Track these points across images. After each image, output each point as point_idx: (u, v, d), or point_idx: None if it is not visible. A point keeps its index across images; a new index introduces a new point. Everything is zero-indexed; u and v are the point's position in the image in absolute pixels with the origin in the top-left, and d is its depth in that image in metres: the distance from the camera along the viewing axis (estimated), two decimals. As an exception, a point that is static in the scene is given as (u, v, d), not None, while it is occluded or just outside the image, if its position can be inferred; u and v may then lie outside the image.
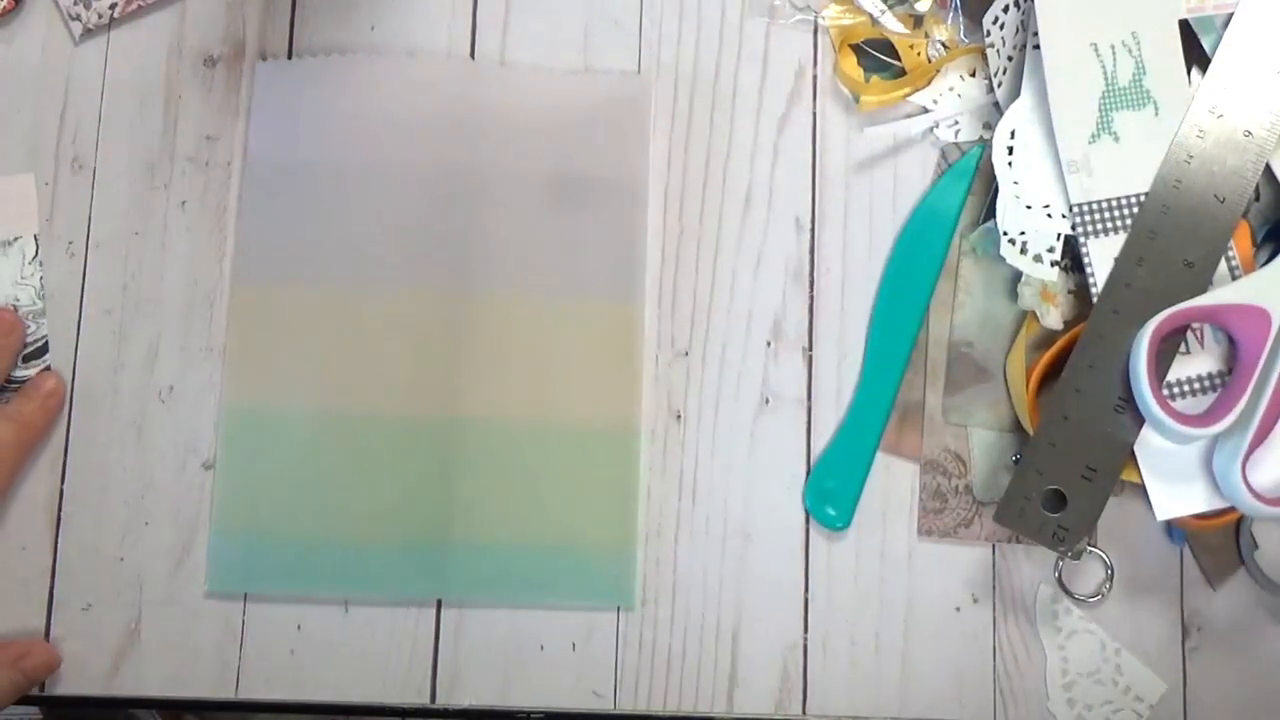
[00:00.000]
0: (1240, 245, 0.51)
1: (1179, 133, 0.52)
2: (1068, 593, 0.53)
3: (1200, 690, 0.53)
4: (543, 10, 0.58)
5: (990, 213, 0.54)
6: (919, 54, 0.56)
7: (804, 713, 0.53)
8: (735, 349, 0.55)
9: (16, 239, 0.56)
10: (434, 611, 0.53)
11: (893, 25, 0.56)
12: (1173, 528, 0.53)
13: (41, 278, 0.56)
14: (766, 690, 0.53)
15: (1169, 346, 0.50)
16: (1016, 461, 0.53)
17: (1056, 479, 0.50)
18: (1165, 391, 0.50)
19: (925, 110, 0.56)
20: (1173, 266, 0.50)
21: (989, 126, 0.56)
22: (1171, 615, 0.53)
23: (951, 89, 0.56)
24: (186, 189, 0.56)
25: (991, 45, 0.55)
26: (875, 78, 0.57)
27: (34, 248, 0.56)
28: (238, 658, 0.53)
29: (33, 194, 0.56)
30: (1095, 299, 0.51)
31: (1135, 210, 0.51)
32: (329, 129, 0.56)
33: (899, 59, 0.56)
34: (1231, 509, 0.50)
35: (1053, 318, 0.53)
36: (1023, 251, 0.52)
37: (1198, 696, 0.53)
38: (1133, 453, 0.50)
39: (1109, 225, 0.51)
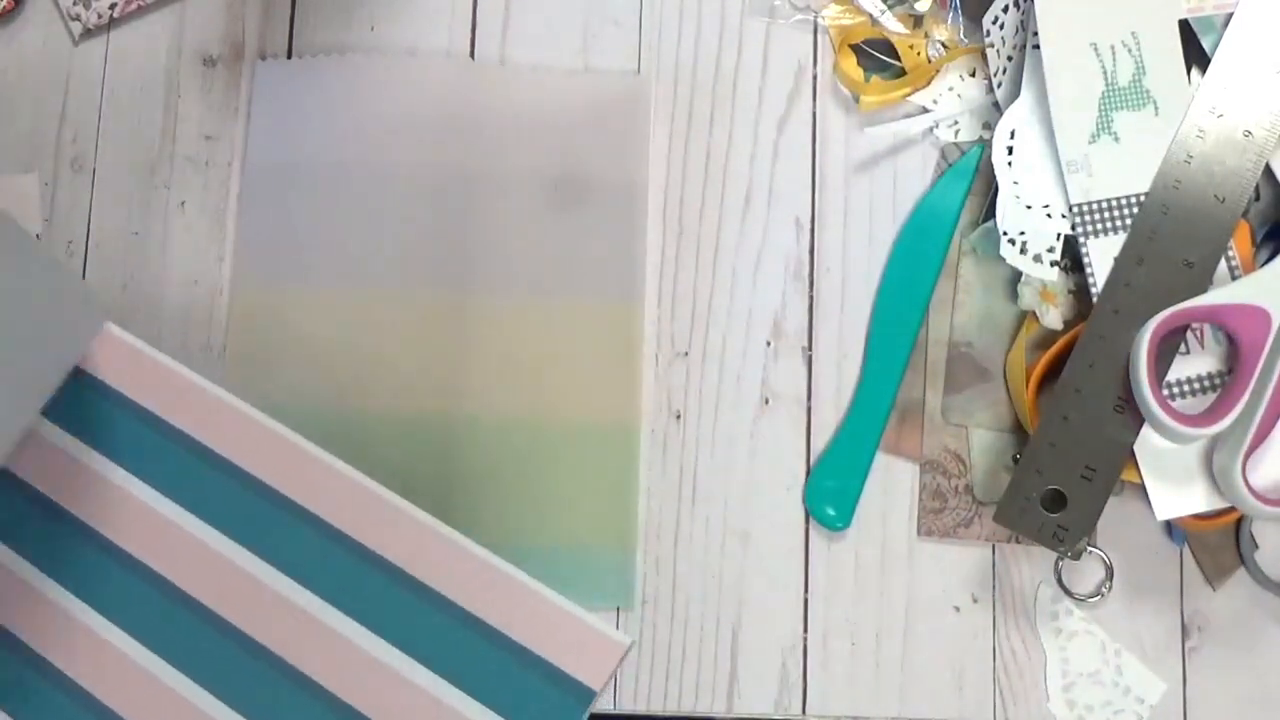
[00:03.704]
0: (1240, 245, 0.51)
1: (1179, 133, 0.52)
2: (1068, 593, 0.53)
3: (1200, 690, 0.53)
4: (543, 10, 0.58)
5: (990, 213, 0.54)
6: (919, 54, 0.56)
7: (804, 712, 0.53)
8: (735, 349, 0.55)
9: (16, 239, 0.56)
10: (434, 611, 0.53)
11: (893, 25, 0.56)
12: (1173, 528, 0.53)
13: (41, 278, 0.56)
14: (766, 690, 0.53)
15: (1169, 346, 0.50)
16: (1016, 461, 0.53)
17: (1056, 479, 0.50)
18: (1165, 391, 0.50)
19: (925, 110, 0.56)
20: (1173, 266, 0.50)
21: (989, 126, 0.56)
22: (1171, 615, 0.53)
23: (951, 89, 0.56)
24: (186, 189, 0.56)
25: (991, 45, 0.55)
26: (875, 78, 0.57)
27: (34, 248, 0.56)
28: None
29: (33, 194, 0.56)
30: (1095, 299, 0.51)
31: (1135, 210, 0.51)
32: (329, 129, 0.56)
33: (899, 59, 0.56)
34: (1231, 509, 0.50)
35: (1053, 318, 0.53)
36: (1023, 251, 0.52)
37: (1198, 696, 0.53)
38: (1133, 453, 0.50)
39: (1109, 225, 0.51)
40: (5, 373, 0.46)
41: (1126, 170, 0.52)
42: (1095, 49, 0.52)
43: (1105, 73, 0.52)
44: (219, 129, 0.57)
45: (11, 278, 0.45)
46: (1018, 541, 0.53)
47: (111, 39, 0.58)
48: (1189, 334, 0.51)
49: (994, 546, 0.54)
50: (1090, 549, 0.53)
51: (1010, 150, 0.53)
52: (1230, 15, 0.52)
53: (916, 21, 0.57)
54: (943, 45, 0.56)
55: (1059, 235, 0.52)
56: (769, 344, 0.55)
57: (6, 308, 0.45)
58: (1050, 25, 0.52)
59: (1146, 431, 0.50)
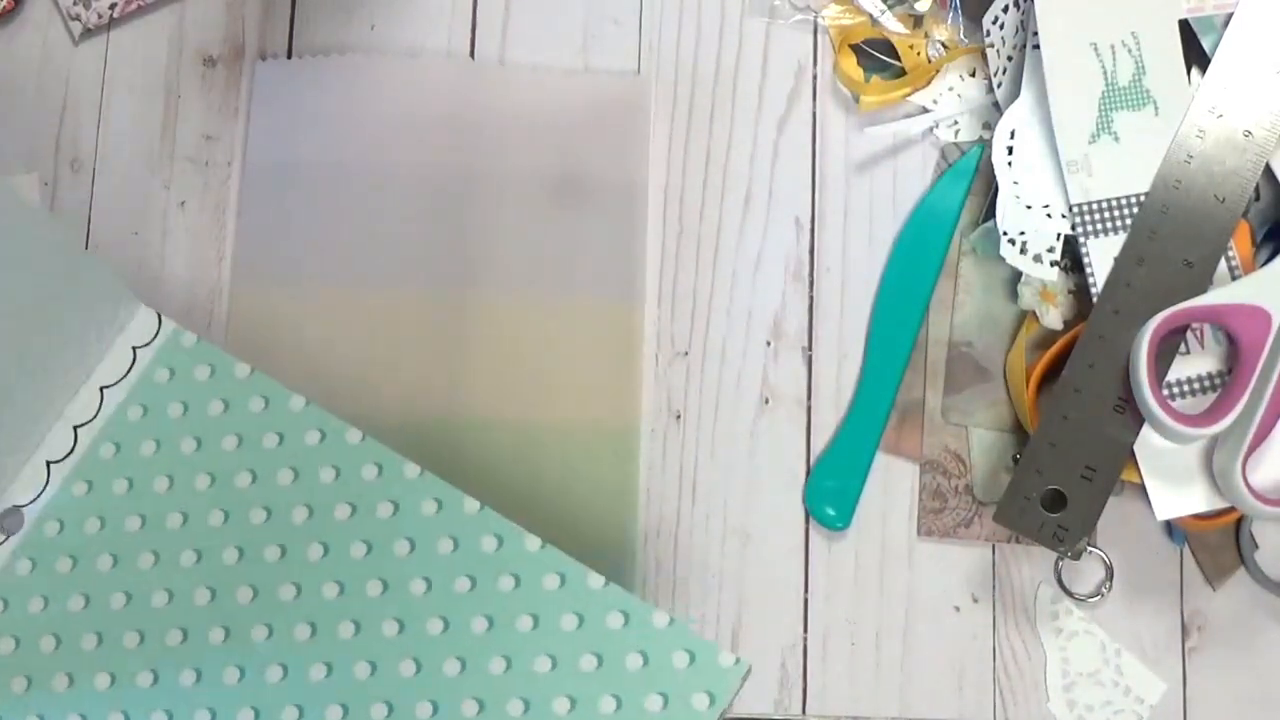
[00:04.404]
0: (1240, 245, 0.51)
1: (1179, 133, 0.52)
2: (1068, 593, 0.53)
3: (1200, 690, 0.53)
4: (542, 10, 0.58)
5: (990, 213, 0.54)
6: (919, 54, 0.56)
7: (804, 713, 0.53)
8: (735, 349, 0.55)
9: (16, 239, 0.56)
10: (434, 611, 0.53)
11: (893, 25, 0.56)
12: (1173, 528, 0.53)
13: (41, 278, 0.56)
14: (766, 690, 0.53)
15: (1169, 346, 0.50)
16: (1016, 461, 0.53)
17: (1056, 479, 0.50)
18: (1165, 391, 0.50)
19: (925, 110, 0.56)
20: (1173, 266, 0.50)
21: (989, 126, 0.56)
22: (1171, 615, 0.53)
23: (951, 89, 0.56)
24: (186, 189, 0.56)
25: (991, 45, 0.55)
26: (875, 78, 0.57)
27: (34, 248, 0.56)
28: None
29: (33, 194, 0.56)
30: (1095, 299, 0.51)
31: (1135, 210, 0.51)
32: (329, 129, 0.56)
33: (899, 59, 0.56)
34: (1231, 509, 0.50)
35: (1053, 318, 0.53)
36: (1023, 251, 0.52)
37: (1198, 696, 0.53)
38: (1133, 453, 0.50)
39: (1109, 225, 0.51)
40: (26, 360, 0.49)
41: (1126, 170, 0.52)
42: (1095, 49, 0.52)
43: (1105, 73, 0.52)
44: (219, 129, 0.57)
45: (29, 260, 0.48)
46: (1018, 541, 0.53)
47: (111, 39, 0.58)
48: (1189, 334, 0.51)
49: (994, 546, 0.54)
50: (1090, 549, 0.53)
51: (1010, 150, 0.53)
52: (1230, 15, 0.52)
53: (916, 21, 0.57)
54: (943, 45, 0.56)
55: (1059, 235, 0.52)
56: (769, 344, 0.55)
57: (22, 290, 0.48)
58: (1050, 25, 0.52)
59: (1146, 431, 0.50)
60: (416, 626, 0.48)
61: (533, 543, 0.48)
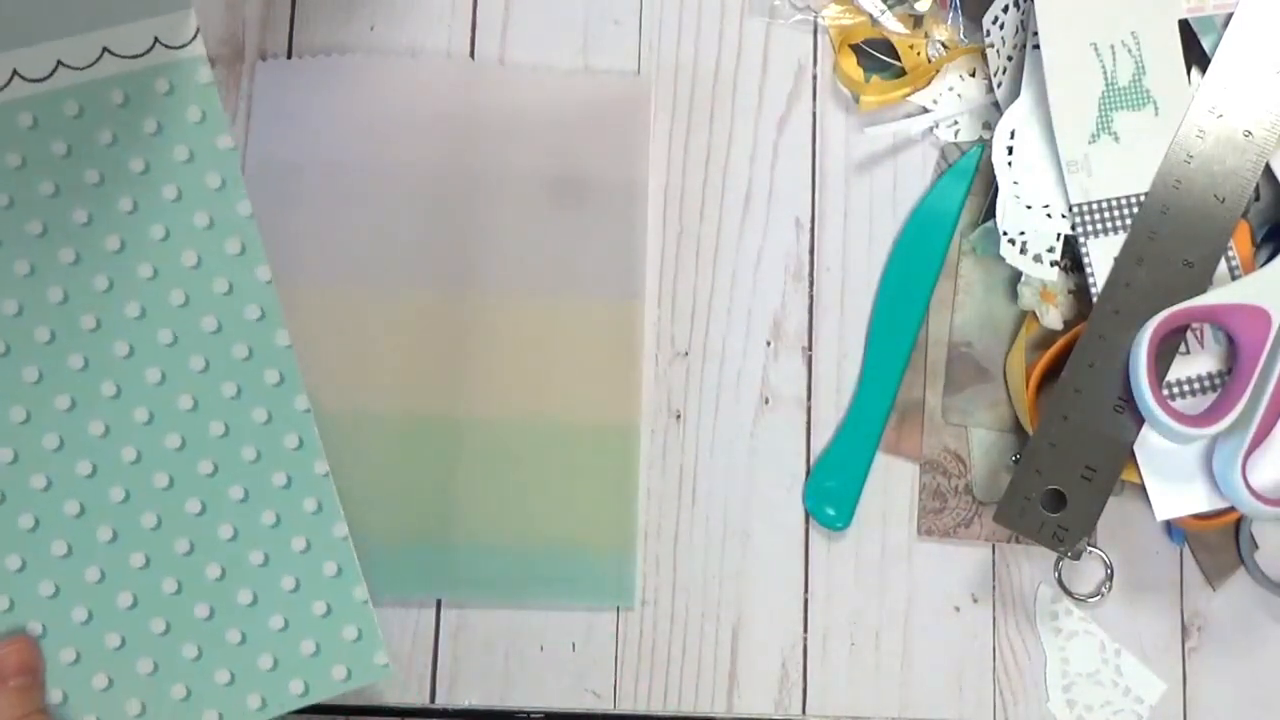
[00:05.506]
0: (1240, 245, 0.51)
1: (1179, 133, 0.52)
2: (1068, 593, 0.53)
3: (1200, 690, 0.53)
4: (542, 10, 0.58)
5: (990, 213, 0.54)
6: (919, 54, 0.56)
7: (804, 713, 0.53)
8: (735, 349, 0.55)
9: (16, 239, 0.56)
10: (434, 611, 0.53)
11: (893, 25, 0.56)
12: (1173, 528, 0.53)
13: (41, 277, 0.56)
14: (766, 690, 0.53)
15: (1169, 346, 0.50)
16: (1016, 461, 0.53)
17: (1056, 479, 0.50)
18: (1165, 391, 0.50)
19: (925, 110, 0.56)
20: (1173, 266, 0.50)
21: (989, 126, 0.56)
22: (1171, 615, 0.53)
23: (951, 89, 0.56)
24: (186, 189, 0.56)
25: (991, 45, 0.55)
26: (875, 78, 0.57)
27: (34, 247, 0.56)
28: (238, 658, 0.53)
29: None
30: (1095, 299, 0.51)
31: (1135, 210, 0.51)
32: (329, 129, 0.56)
33: (899, 59, 0.56)
34: (1231, 509, 0.50)
35: (1053, 318, 0.53)
36: (1023, 251, 0.52)
37: (1198, 696, 0.53)
38: (1133, 453, 0.50)
39: (1109, 225, 0.51)
40: None
41: (1126, 170, 0.52)
42: (1095, 49, 0.52)
43: (1105, 73, 0.52)
44: (219, 129, 0.57)
45: None
46: (1018, 541, 0.53)
47: (111, 39, 0.57)
48: (1189, 334, 0.51)
49: (994, 546, 0.54)
50: (1090, 549, 0.53)
51: (1010, 150, 0.53)
52: (1230, 15, 0.52)
53: (916, 21, 0.57)
54: (943, 45, 0.56)
55: (1059, 235, 0.52)
56: (769, 344, 0.55)
57: None
58: (1050, 25, 0.52)
59: (1146, 431, 0.50)
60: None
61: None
